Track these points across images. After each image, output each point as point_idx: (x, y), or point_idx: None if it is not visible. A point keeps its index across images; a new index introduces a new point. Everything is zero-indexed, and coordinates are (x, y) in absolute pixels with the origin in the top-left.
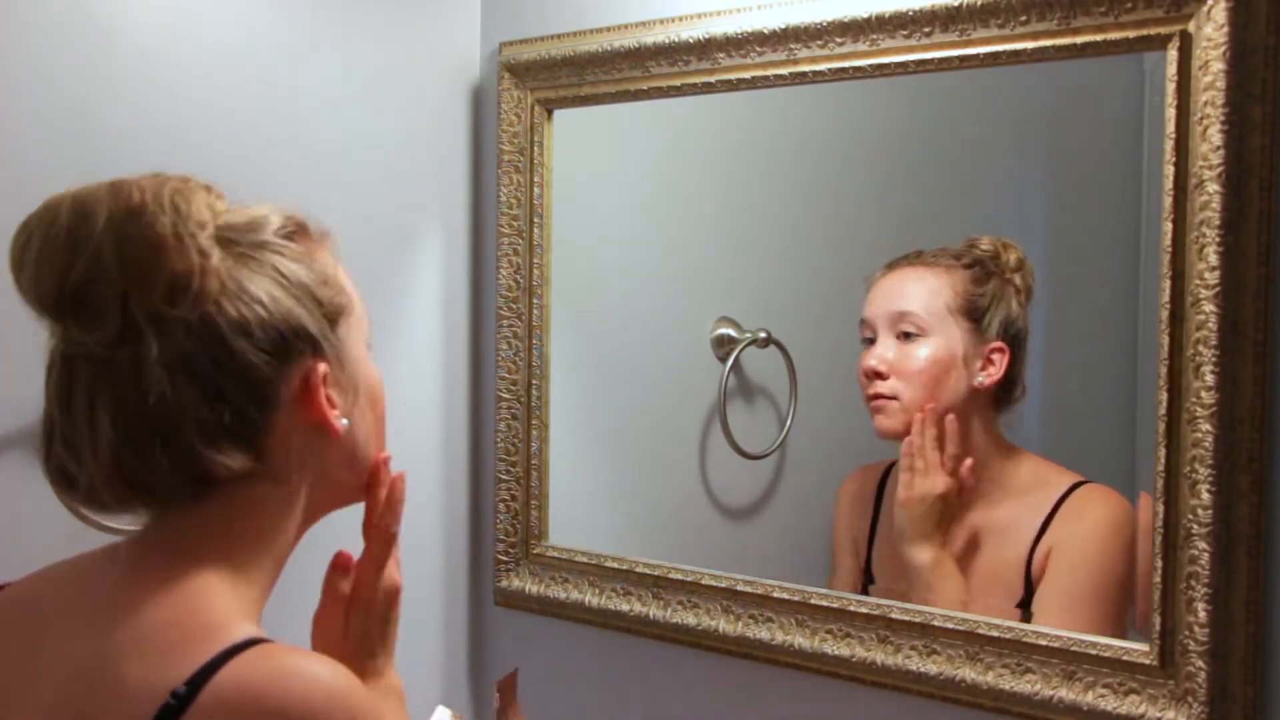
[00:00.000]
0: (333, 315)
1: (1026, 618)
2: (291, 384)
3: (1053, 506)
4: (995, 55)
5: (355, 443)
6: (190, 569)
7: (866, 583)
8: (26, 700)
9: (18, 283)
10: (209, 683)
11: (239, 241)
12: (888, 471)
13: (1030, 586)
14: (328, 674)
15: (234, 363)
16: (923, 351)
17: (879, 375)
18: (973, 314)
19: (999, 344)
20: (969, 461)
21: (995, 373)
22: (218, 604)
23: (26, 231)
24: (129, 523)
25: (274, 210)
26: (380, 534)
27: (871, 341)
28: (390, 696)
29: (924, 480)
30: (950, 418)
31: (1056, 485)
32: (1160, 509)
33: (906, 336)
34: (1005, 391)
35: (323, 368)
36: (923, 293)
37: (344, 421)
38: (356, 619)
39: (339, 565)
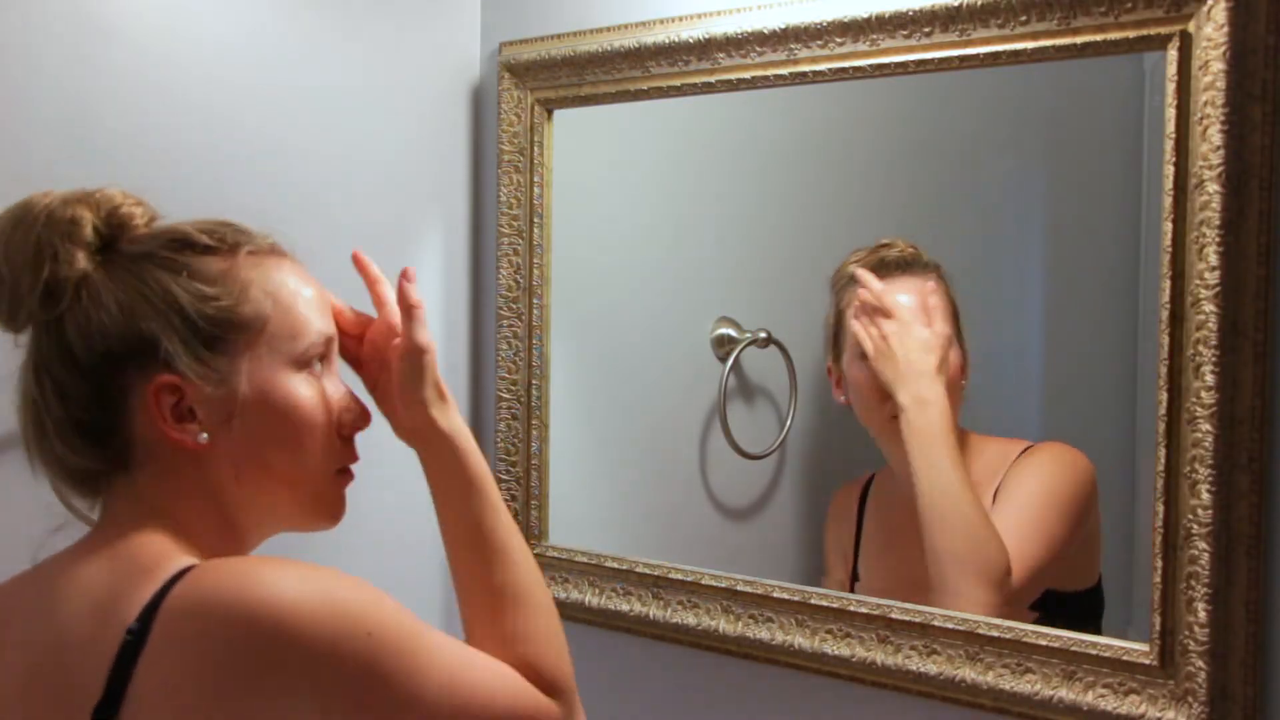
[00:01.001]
0: (210, 333)
1: None
2: (139, 392)
3: (1006, 469)
4: (995, 55)
5: (238, 459)
6: (128, 533)
7: (853, 584)
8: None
9: None
10: (160, 607)
11: (121, 252)
12: (869, 483)
13: None
14: (287, 571)
15: (76, 366)
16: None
17: None
18: (957, 322)
19: (964, 348)
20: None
21: (965, 379)
22: (153, 548)
23: None
24: None
25: (194, 224)
26: (404, 301)
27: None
28: (465, 435)
29: (908, 334)
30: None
31: (1012, 453)
32: (1160, 509)
33: None
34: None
35: (164, 380)
36: (938, 308)
37: (203, 436)
38: (407, 371)
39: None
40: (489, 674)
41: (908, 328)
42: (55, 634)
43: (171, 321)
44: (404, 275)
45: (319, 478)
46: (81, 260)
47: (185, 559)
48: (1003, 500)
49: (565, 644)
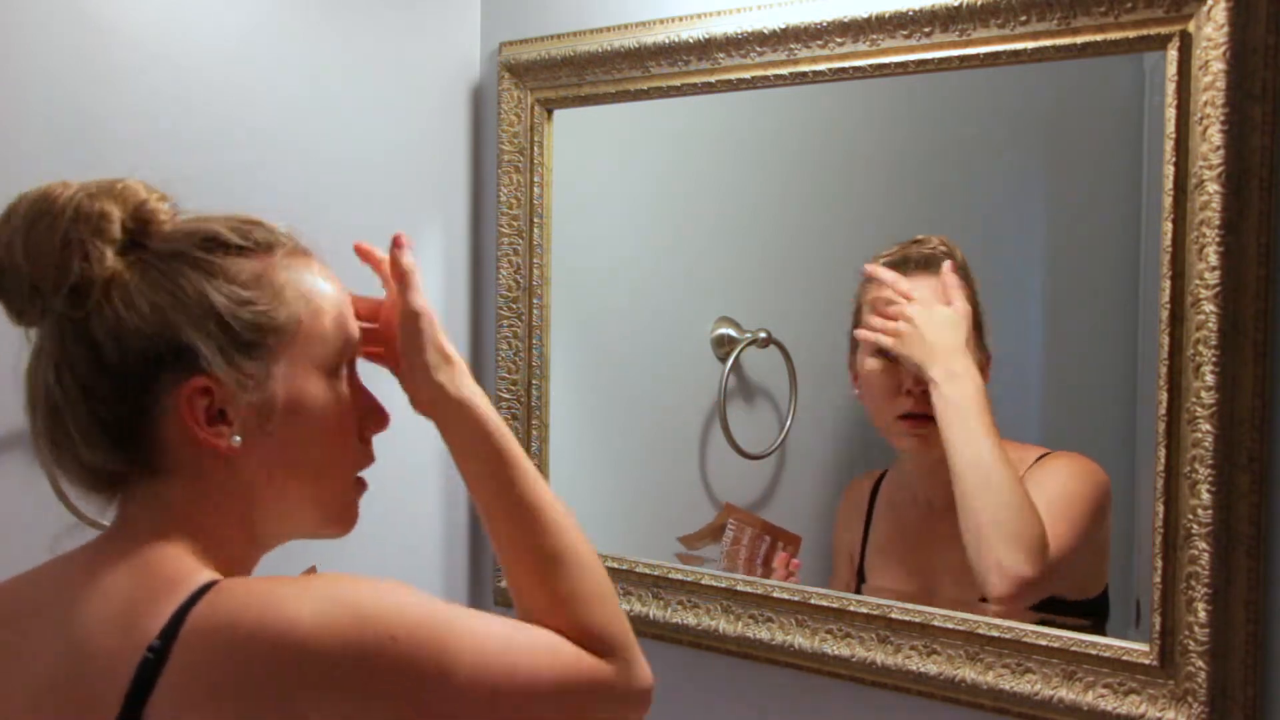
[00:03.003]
0: (246, 339)
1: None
2: (171, 395)
3: (1023, 473)
4: (995, 55)
5: (270, 464)
6: (148, 542)
7: (859, 584)
8: (11, 700)
9: None
10: (181, 627)
11: (150, 249)
12: (880, 480)
13: None
14: (303, 588)
15: (104, 366)
16: None
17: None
18: (979, 328)
19: (988, 353)
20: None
21: (987, 383)
22: (173, 563)
23: None
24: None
25: (224, 222)
26: (396, 269)
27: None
28: (465, 408)
29: (927, 316)
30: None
31: (1026, 460)
32: (1160, 509)
33: None
34: None
35: (198, 383)
36: (959, 295)
37: (236, 439)
38: (402, 352)
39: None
40: (530, 649)
41: (930, 307)
42: (73, 644)
43: (207, 327)
44: (395, 242)
45: (342, 483)
46: (110, 258)
47: (206, 574)
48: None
49: (615, 600)
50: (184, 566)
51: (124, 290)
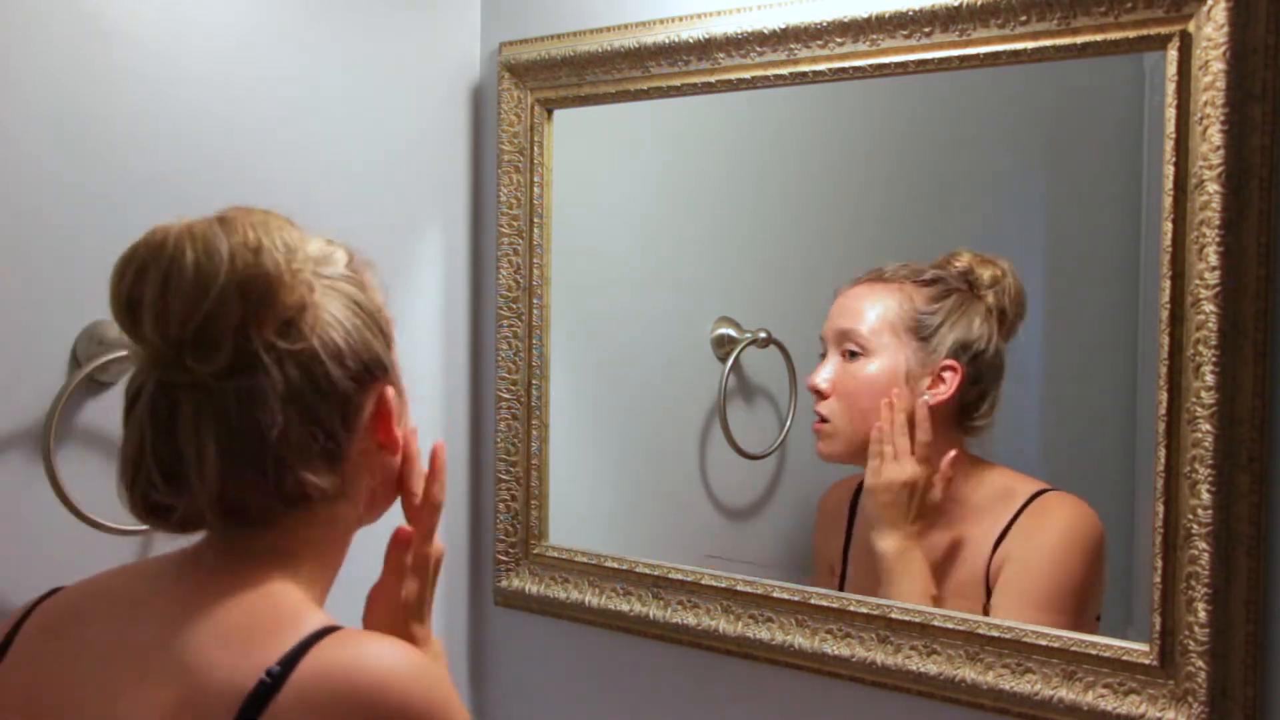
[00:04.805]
0: (389, 341)
1: None
2: (368, 407)
3: (1012, 516)
4: (995, 55)
5: (390, 466)
6: (263, 575)
7: (841, 588)
8: (112, 676)
9: (132, 318)
10: (300, 662)
11: (324, 274)
12: (860, 486)
13: (989, 594)
14: (407, 655)
15: (331, 389)
16: (862, 371)
17: (820, 394)
18: (920, 332)
19: (949, 362)
20: (951, 453)
21: (945, 391)
22: (290, 600)
23: (138, 266)
24: (136, 525)
25: (331, 243)
26: (430, 504)
27: (824, 357)
28: (440, 656)
29: (892, 466)
30: (921, 404)
31: (1019, 495)
32: (1160, 509)
33: (850, 355)
34: (966, 411)
35: (391, 390)
36: (869, 311)
37: (399, 435)
38: (411, 586)
39: (401, 540)
40: None
41: (891, 464)
42: (190, 647)
43: (375, 334)
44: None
45: None
46: (318, 286)
47: (322, 615)
48: (1012, 570)
49: None
50: (302, 602)
51: (329, 314)
